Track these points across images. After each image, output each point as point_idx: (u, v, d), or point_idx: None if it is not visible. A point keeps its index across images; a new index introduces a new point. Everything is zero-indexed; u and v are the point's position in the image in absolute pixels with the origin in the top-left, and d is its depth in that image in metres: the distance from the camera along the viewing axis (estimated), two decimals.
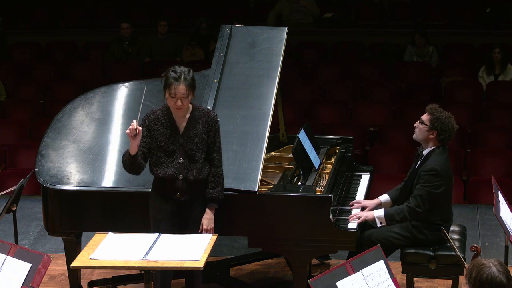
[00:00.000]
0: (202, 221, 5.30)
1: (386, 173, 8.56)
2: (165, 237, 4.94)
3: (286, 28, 6.00)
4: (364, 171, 6.51)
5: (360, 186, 6.25)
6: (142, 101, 5.30)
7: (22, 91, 11.01)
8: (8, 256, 4.62)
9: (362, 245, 5.42)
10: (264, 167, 5.67)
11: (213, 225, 5.31)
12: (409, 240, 5.61)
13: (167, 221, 5.28)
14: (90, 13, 13.34)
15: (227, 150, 5.51)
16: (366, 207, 5.74)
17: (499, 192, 5.54)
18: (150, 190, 5.38)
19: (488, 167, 8.49)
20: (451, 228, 5.79)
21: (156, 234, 4.97)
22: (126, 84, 6.05)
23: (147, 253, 4.74)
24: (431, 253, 5.57)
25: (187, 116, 5.27)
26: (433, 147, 5.62)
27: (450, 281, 5.68)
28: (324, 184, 5.85)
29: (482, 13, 12.61)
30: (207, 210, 5.31)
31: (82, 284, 6.02)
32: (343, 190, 6.09)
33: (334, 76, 11.31)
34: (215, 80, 5.83)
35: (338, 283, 4.27)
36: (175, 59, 11.43)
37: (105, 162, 5.77)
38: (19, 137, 9.68)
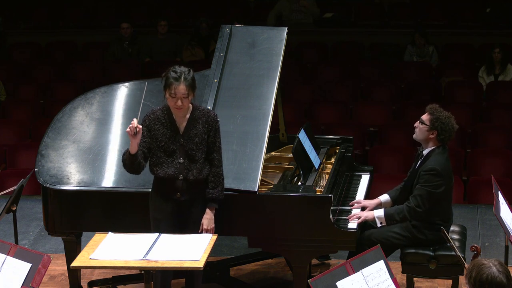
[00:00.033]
0: (202, 221, 5.30)
1: (386, 173, 8.56)
2: (165, 237, 4.94)
3: (286, 28, 6.00)
4: (364, 171, 6.51)
5: (360, 186, 6.25)
6: (142, 101, 5.30)
7: (22, 91, 11.01)
8: (8, 256, 4.62)
9: (362, 245, 5.42)
10: (264, 167, 5.67)
11: (213, 225, 5.31)
12: (409, 240, 5.61)
13: (167, 221, 5.28)
14: (90, 13, 13.34)
15: (227, 150, 5.51)
16: (366, 207, 5.75)
17: (499, 192, 5.54)
18: (150, 190, 5.38)
19: (488, 167, 8.49)
20: (451, 228, 5.79)
21: (156, 234, 4.97)
22: (126, 84, 6.06)
23: (147, 253, 4.74)
24: (431, 253, 5.57)
25: (187, 116, 5.27)
26: (433, 147, 5.62)
27: (450, 281, 5.68)
28: (324, 184, 5.85)
29: (482, 13, 12.61)
30: (207, 210, 5.31)
31: (82, 284, 6.02)
32: (343, 190, 6.09)
33: (334, 76, 11.31)
34: (215, 80, 5.83)
35: (338, 283, 4.27)
36: (175, 59, 11.43)
37: (105, 162, 5.77)
38: (19, 137, 9.68)
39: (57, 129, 5.90)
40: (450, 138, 5.61)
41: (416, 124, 5.67)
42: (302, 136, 5.94)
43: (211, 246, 4.85)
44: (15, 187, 5.85)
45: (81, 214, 5.64)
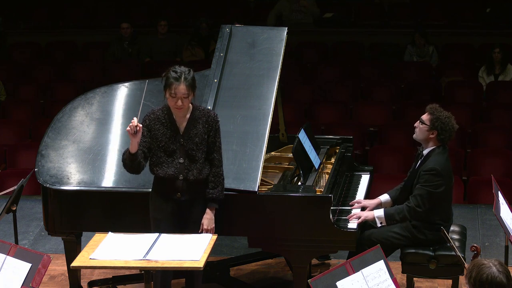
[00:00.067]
0: (202, 221, 5.30)
1: (386, 173, 8.56)
2: (165, 237, 4.94)
3: (286, 28, 6.00)
4: (364, 171, 6.51)
5: (360, 186, 6.25)
6: (142, 101, 5.30)
7: (22, 91, 11.01)
8: (8, 256, 4.62)
9: (362, 245, 5.42)
10: (264, 167, 5.67)
11: (214, 225, 5.31)
12: (409, 240, 5.61)
13: (167, 221, 5.28)
14: (90, 13, 13.34)
15: (227, 150, 5.51)
16: (366, 207, 5.75)
17: (499, 192, 5.54)
18: (150, 190, 5.38)
19: (488, 167, 8.49)
20: (451, 228, 5.79)
21: (156, 234, 4.97)
22: (126, 84, 6.05)
23: (147, 253, 4.74)
24: (431, 253, 5.57)
25: (188, 116, 5.27)
26: (433, 147, 5.62)
27: (450, 281, 5.68)
28: (324, 184, 5.85)
29: (482, 13, 12.61)
30: (208, 210, 5.31)
31: (82, 284, 6.02)
32: (343, 190, 6.09)
33: (334, 76, 11.31)
34: (215, 80, 5.83)
35: (338, 283, 4.27)
36: (175, 59, 11.42)
37: (105, 162, 5.77)
38: (19, 137, 9.68)
39: (57, 129, 5.90)
40: (450, 138, 5.61)
41: (416, 124, 5.67)
42: (302, 136, 5.94)
43: (211, 246, 4.85)
44: (15, 187, 5.85)
45: (81, 214, 5.64)
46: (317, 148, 6.17)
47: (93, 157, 5.78)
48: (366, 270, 4.37)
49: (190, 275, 5.43)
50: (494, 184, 5.61)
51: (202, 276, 5.47)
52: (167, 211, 5.29)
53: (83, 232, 5.83)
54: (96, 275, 6.37)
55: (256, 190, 5.39)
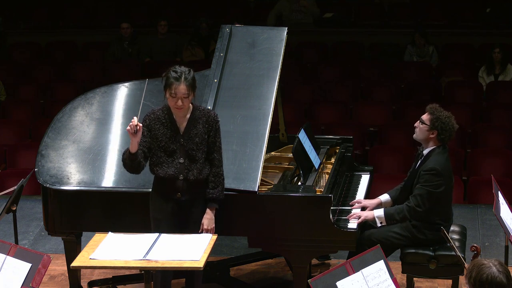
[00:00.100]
0: (202, 221, 5.30)
1: (386, 173, 8.56)
2: (165, 237, 4.93)
3: (286, 28, 6.00)
4: (364, 171, 6.51)
5: (360, 186, 6.25)
6: (142, 101, 5.30)
7: (22, 91, 11.01)
8: (8, 256, 4.62)
9: (362, 245, 5.42)
10: (264, 167, 5.67)
11: (214, 225, 5.31)
12: (409, 240, 5.61)
13: (167, 221, 5.28)
14: (90, 13, 13.34)
15: (227, 150, 5.51)
16: (366, 207, 5.74)
17: (499, 192, 5.54)
18: (150, 190, 5.38)
19: (488, 167, 8.49)
20: (451, 228, 5.79)
21: (156, 234, 4.97)
22: (126, 84, 6.06)
23: (147, 253, 4.74)
24: (431, 253, 5.57)
25: (188, 116, 5.27)
26: (434, 147, 5.62)
27: (450, 281, 5.68)
28: (324, 184, 5.85)
29: (482, 13, 12.61)
30: (208, 210, 5.31)
31: (82, 284, 6.02)
32: (343, 190, 6.09)
33: (334, 76, 11.31)
34: (215, 80, 5.83)
35: (338, 283, 4.27)
36: (175, 59, 11.43)
37: (105, 162, 5.77)
38: (19, 137, 9.68)
39: (57, 129, 5.90)
40: (450, 138, 5.61)
41: (416, 124, 5.67)
42: (302, 136, 5.94)
43: (211, 246, 4.85)
44: (15, 187, 5.84)
45: (81, 214, 5.64)
46: (317, 148, 6.17)
47: (93, 157, 5.78)
48: (366, 270, 4.37)
49: (190, 275, 5.43)
50: (494, 184, 5.61)
51: (202, 276, 5.47)
52: (167, 211, 5.29)
53: (83, 232, 5.83)
54: (96, 275, 6.37)
55: (256, 190, 5.39)
